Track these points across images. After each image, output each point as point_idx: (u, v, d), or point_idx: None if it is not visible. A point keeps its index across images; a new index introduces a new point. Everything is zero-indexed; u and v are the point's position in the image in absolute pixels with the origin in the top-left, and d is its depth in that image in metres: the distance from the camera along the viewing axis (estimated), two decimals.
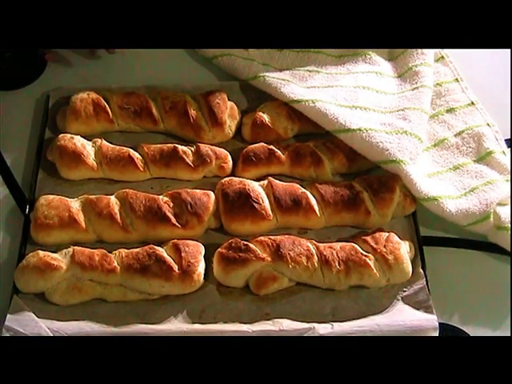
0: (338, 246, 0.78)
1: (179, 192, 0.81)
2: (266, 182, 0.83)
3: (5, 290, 0.77)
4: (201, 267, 0.77)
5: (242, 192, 0.81)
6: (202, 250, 0.79)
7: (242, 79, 0.95)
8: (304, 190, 0.82)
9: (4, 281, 0.78)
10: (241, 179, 0.83)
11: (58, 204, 0.81)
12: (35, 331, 0.72)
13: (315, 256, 0.77)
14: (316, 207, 0.81)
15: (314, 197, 0.82)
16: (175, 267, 0.75)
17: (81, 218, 0.80)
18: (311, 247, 0.77)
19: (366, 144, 0.85)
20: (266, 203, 0.81)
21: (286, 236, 0.79)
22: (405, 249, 0.79)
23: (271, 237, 0.78)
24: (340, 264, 0.76)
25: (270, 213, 0.81)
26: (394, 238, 0.79)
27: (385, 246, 0.78)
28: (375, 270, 0.77)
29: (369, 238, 0.79)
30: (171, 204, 0.81)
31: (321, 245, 0.78)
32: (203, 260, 0.78)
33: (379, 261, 0.77)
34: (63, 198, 0.82)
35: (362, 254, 0.77)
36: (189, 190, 0.82)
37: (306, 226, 0.82)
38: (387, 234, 0.80)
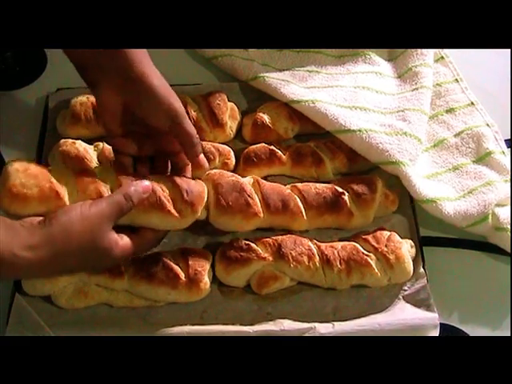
0: (339, 245, 0.79)
1: (173, 178, 0.74)
2: (251, 179, 0.81)
3: (5, 289, 0.77)
4: (208, 275, 0.77)
5: (235, 185, 0.78)
6: (210, 258, 0.78)
7: (242, 80, 0.95)
8: (289, 191, 0.81)
9: (5, 280, 0.78)
10: (231, 173, 0.81)
11: (36, 173, 0.69)
12: (38, 333, 0.73)
13: (316, 255, 0.77)
14: (302, 209, 0.80)
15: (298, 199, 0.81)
16: (182, 275, 0.75)
17: (63, 191, 0.70)
18: (312, 247, 0.78)
19: (365, 145, 0.85)
20: (257, 200, 0.79)
21: (288, 235, 0.79)
22: (406, 248, 0.79)
23: (273, 237, 0.78)
24: (341, 263, 0.76)
25: (261, 210, 0.79)
26: (396, 237, 0.79)
27: (386, 246, 0.78)
28: (376, 270, 0.77)
29: (370, 238, 0.79)
30: (166, 190, 0.73)
31: (322, 244, 0.78)
32: (211, 268, 0.78)
33: (380, 260, 0.78)
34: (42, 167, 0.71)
35: (363, 253, 0.78)
36: (184, 178, 0.76)
37: (290, 227, 0.81)
38: (388, 234, 0.80)
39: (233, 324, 0.75)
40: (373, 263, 0.77)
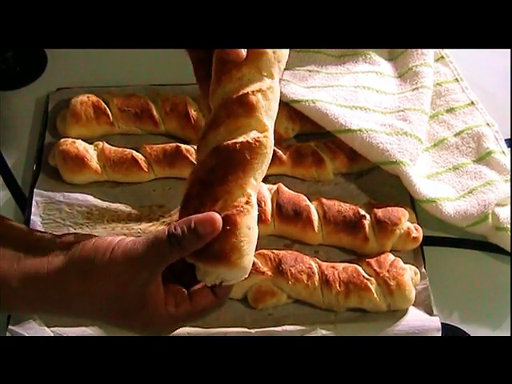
0: (340, 266, 0.77)
1: None
2: (275, 186, 0.82)
3: None
4: None
5: None
6: None
7: None
8: (308, 203, 0.81)
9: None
10: None
11: None
12: (39, 334, 0.73)
13: (316, 275, 0.76)
14: (316, 223, 0.80)
15: (317, 212, 0.81)
16: None
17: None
18: (313, 265, 0.76)
19: (366, 145, 0.85)
20: (268, 207, 0.80)
21: (290, 252, 0.78)
22: (409, 275, 0.76)
23: (274, 251, 0.78)
24: (340, 285, 0.75)
25: (270, 218, 0.80)
26: (399, 263, 0.77)
27: (388, 271, 0.75)
28: (376, 295, 0.75)
29: (373, 261, 0.77)
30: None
31: (323, 264, 0.77)
32: None
33: (381, 285, 0.75)
34: None
35: (363, 276, 0.75)
36: None
37: (303, 239, 0.81)
38: (393, 259, 0.77)
39: (234, 325, 0.75)
40: (372, 288, 0.75)
